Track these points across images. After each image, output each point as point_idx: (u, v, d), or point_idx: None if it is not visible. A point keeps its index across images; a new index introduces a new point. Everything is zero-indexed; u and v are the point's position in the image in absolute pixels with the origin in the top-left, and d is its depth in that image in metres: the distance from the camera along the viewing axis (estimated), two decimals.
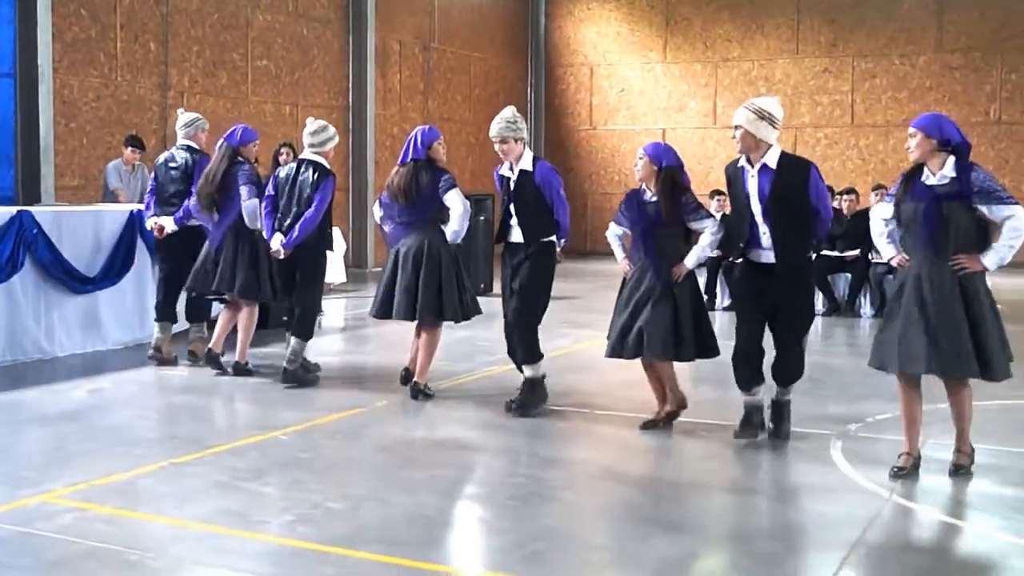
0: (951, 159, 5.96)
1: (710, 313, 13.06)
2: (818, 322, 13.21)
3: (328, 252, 8.92)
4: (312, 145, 8.68)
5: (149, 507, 5.56)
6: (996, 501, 5.87)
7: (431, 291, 8.04)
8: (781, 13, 21.71)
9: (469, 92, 21.88)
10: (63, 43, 13.43)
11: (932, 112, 6.41)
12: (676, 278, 6.96)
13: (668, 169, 7.01)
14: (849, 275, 13.65)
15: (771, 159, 6.60)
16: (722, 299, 14.06)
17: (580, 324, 11.99)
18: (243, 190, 8.91)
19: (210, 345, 9.23)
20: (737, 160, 6.79)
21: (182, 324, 10.46)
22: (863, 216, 14.02)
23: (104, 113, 14.07)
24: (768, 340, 6.84)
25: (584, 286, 15.99)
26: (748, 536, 5.23)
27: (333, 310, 13.75)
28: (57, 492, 5.70)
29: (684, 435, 7.13)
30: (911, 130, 6.09)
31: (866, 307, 13.56)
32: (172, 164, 9.66)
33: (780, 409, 6.98)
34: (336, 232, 15.67)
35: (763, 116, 6.56)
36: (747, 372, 6.84)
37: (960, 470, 6.12)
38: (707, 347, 7.13)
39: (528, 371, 7.70)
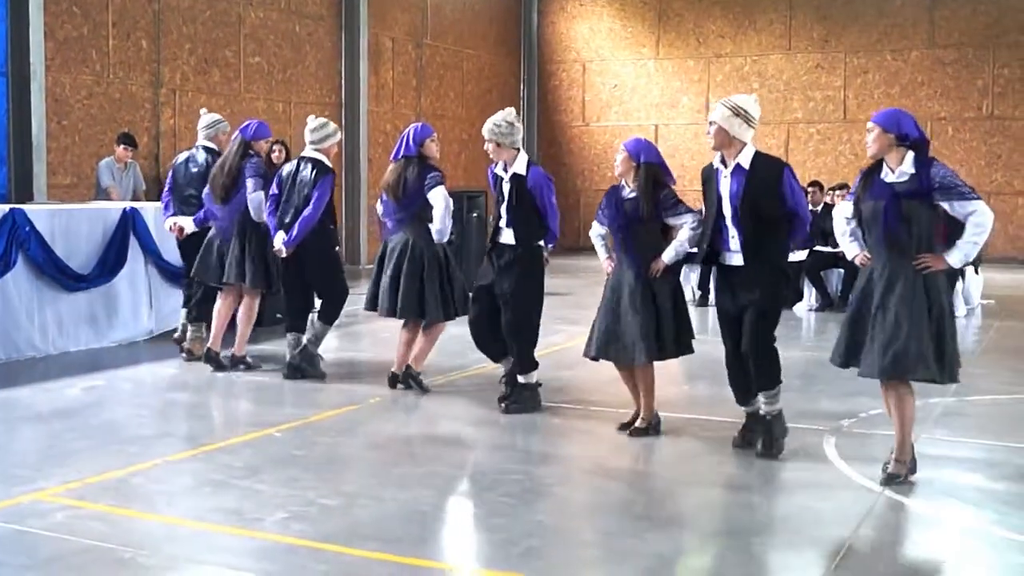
0: (910, 155, 5.80)
1: (703, 309, 13.05)
2: (811, 317, 13.25)
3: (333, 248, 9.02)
4: (312, 142, 8.71)
5: (143, 505, 5.56)
6: (989, 496, 5.88)
7: (412, 290, 8.07)
8: (773, 9, 21.72)
9: (462, 88, 21.87)
10: (55, 41, 13.40)
11: (892, 107, 6.25)
12: (654, 273, 6.83)
13: (647, 165, 6.88)
14: (842, 271, 13.66)
15: (744, 159, 6.43)
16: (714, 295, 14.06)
17: (573, 320, 12.00)
18: (249, 182, 8.95)
19: (208, 344, 9.25)
20: (712, 162, 6.66)
21: (168, 324, 10.49)
22: None
23: (96, 111, 14.05)
24: None
25: (577, 282, 16.00)
26: (741, 532, 5.23)
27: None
28: (51, 490, 5.69)
29: (677, 432, 7.14)
30: (869, 124, 5.92)
31: None
32: (192, 164, 9.74)
33: (768, 426, 6.54)
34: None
35: (738, 113, 6.42)
36: (740, 388, 6.67)
37: (894, 479, 5.88)
38: (685, 344, 7.00)
39: (521, 379, 7.71)
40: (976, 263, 13.70)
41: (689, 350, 7.04)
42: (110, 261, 10.27)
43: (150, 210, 10.91)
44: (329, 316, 8.80)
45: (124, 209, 10.55)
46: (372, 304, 8.33)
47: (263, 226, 8.89)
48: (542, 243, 7.72)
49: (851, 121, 20.98)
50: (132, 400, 8.15)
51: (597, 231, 7.25)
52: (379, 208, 8.54)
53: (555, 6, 23.75)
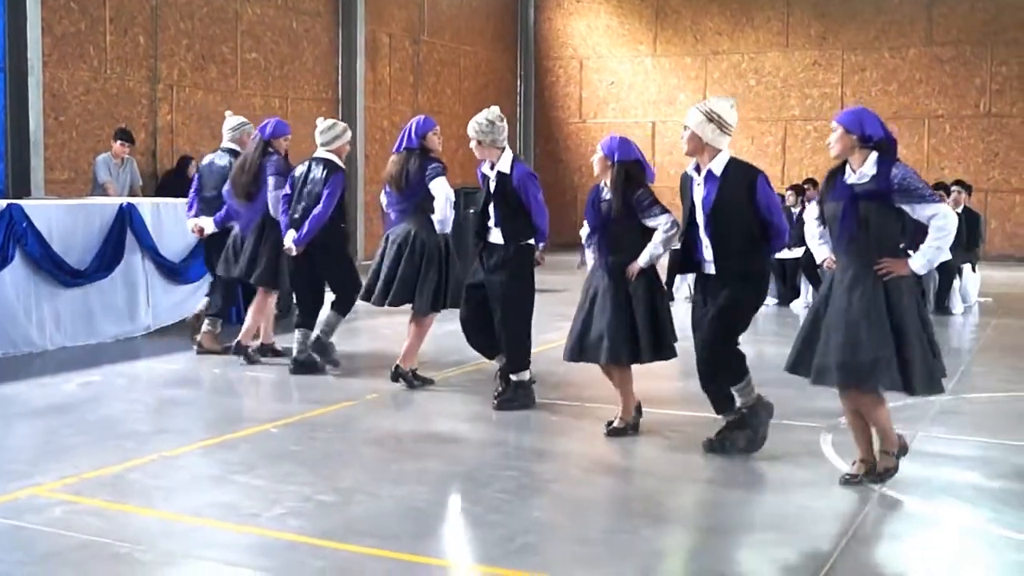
0: (873, 156, 5.60)
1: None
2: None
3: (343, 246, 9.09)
4: (323, 144, 8.80)
5: (139, 500, 5.55)
6: (986, 494, 5.89)
7: (408, 280, 8.12)
8: (771, 6, 21.73)
9: (459, 85, 21.86)
10: (53, 37, 13.39)
11: (856, 106, 6.03)
12: (629, 277, 6.72)
13: (620, 163, 6.75)
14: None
15: (717, 166, 6.24)
16: None
17: (568, 317, 11.91)
18: (270, 180, 9.11)
19: (239, 338, 9.42)
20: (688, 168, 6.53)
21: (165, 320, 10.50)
22: None
23: (93, 106, 14.04)
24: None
25: (572, 279, 15.94)
26: (738, 529, 5.24)
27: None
28: (47, 485, 5.69)
29: (673, 429, 7.14)
30: (832, 124, 5.74)
31: None
32: (215, 166, 9.88)
33: (742, 421, 6.45)
34: None
35: (712, 119, 6.23)
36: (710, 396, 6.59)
37: (889, 474, 5.77)
38: (665, 347, 6.81)
39: (514, 377, 7.71)
40: (973, 261, 13.72)
41: (671, 354, 6.85)
42: (107, 257, 10.26)
43: (147, 206, 10.91)
44: (343, 307, 8.88)
45: (121, 205, 10.55)
46: (367, 294, 8.36)
47: (279, 224, 9.03)
48: (532, 242, 7.70)
49: None
50: (129, 395, 8.15)
51: (584, 231, 7.19)
52: (383, 200, 8.58)
53: (552, 2, 23.75)
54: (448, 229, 8.17)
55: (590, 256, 7.05)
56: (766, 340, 11.75)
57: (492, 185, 7.65)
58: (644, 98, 22.82)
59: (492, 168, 7.67)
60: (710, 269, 6.32)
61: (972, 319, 12.92)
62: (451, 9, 21.59)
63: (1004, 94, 20.24)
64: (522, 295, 7.66)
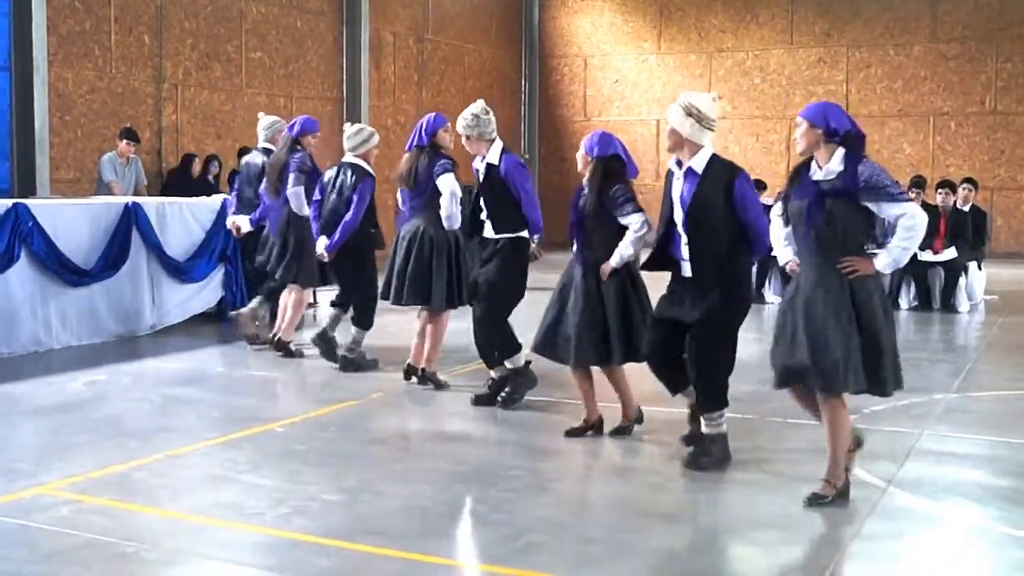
0: (840, 151, 5.36)
1: None
2: None
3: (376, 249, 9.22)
4: (351, 149, 8.91)
5: (145, 499, 5.56)
6: (992, 492, 5.88)
7: (420, 278, 8.13)
8: (775, 3, 21.69)
9: (463, 83, 21.85)
10: (58, 36, 13.39)
11: (822, 100, 5.76)
12: (602, 276, 6.62)
13: (599, 159, 6.61)
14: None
15: (698, 163, 6.04)
16: None
17: None
18: (290, 177, 9.29)
19: (279, 335, 9.59)
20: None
21: (170, 319, 10.49)
22: None
23: (99, 106, 14.04)
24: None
25: None
26: (744, 528, 5.23)
27: (327, 302, 13.71)
28: (53, 484, 5.70)
29: (679, 427, 7.13)
30: (797, 119, 5.50)
31: None
32: (251, 165, 10.19)
33: (706, 446, 6.19)
34: None
35: (691, 114, 6.01)
36: (666, 380, 6.41)
37: (818, 501, 5.43)
38: (635, 350, 6.62)
39: (508, 363, 7.69)
40: (979, 259, 13.70)
41: (640, 357, 6.59)
42: (112, 256, 10.27)
43: (152, 205, 10.92)
44: (363, 322, 9.05)
45: (126, 204, 10.55)
46: (384, 292, 8.43)
47: (304, 222, 9.18)
48: (525, 235, 7.66)
49: (853, 116, 20.88)
50: (134, 394, 8.15)
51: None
52: (399, 197, 8.64)
53: (556, 0, 23.73)
54: (456, 225, 8.17)
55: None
56: (770, 339, 11.73)
57: (481, 178, 7.68)
58: (648, 96, 22.80)
59: (483, 161, 7.69)
60: (687, 270, 6.12)
61: (978, 317, 12.89)
62: (455, 7, 21.59)
63: (1010, 91, 20.19)
64: (507, 287, 7.57)
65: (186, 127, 15.33)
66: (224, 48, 16.06)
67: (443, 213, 8.11)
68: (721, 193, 5.99)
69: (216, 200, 11.64)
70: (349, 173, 8.80)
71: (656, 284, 6.45)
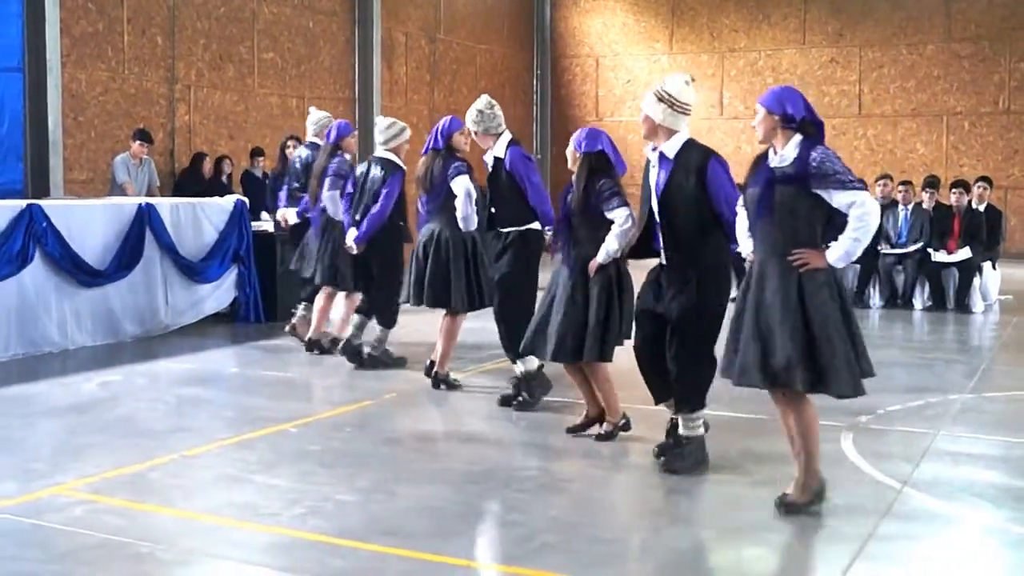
0: (796, 138, 5.16)
1: None
2: None
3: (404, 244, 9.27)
4: (382, 143, 8.97)
5: (159, 499, 5.57)
6: (1007, 493, 5.85)
7: (438, 280, 8.13)
8: (788, 3, 21.64)
9: (475, 84, 21.83)
10: (71, 37, 13.42)
11: (781, 86, 5.51)
12: (589, 272, 6.55)
13: (585, 155, 6.56)
14: (858, 266, 13.61)
15: (671, 148, 5.87)
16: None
17: None
18: (326, 182, 9.40)
19: (309, 333, 9.70)
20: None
21: (184, 319, 10.50)
22: None
23: (112, 107, 14.07)
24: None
25: None
26: (759, 528, 5.21)
27: (340, 303, 13.71)
28: (68, 484, 5.71)
29: None
30: (757, 106, 5.32)
31: (875, 298, 13.53)
32: (298, 160, 10.39)
33: (681, 448, 6.08)
34: None
35: (662, 99, 5.86)
36: (649, 383, 6.26)
37: (793, 509, 5.28)
38: (609, 350, 6.57)
39: (520, 366, 7.66)
40: (993, 259, 13.65)
41: (608, 358, 6.58)
42: (126, 256, 10.29)
43: (166, 205, 10.94)
44: (386, 320, 9.09)
45: (140, 205, 10.58)
46: (406, 296, 8.49)
47: (340, 225, 9.27)
48: (536, 227, 7.63)
49: (866, 116, 20.90)
50: (148, 395, 8.17)
51: None
52: (419, 200, 8.68)
53: (568, 0, 23.71)
54: (472, 227, 8.16)
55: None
56: None
57: (489, 171, 7.69)
58: None
59: (491, 155, 7.71)
60: (664, 259, 5.99)
61: (992, 317, 12.85)
62: (467, 8, 21.58)
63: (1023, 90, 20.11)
64: (520, 281, 7.57)
65: (199, 128, 15.35)
66: (236, 49, 16.08)
67: (458, 215, 8.10)
68: (693, 178, 5.81)
69: (229, 201, 11.65)
70: (379, 167, 8.88)
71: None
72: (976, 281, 13.15)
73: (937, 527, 5.39)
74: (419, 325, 10.00)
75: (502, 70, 22.73)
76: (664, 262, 5.99)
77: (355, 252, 8.89)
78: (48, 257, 9.56)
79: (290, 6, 17.07)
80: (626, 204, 6.53)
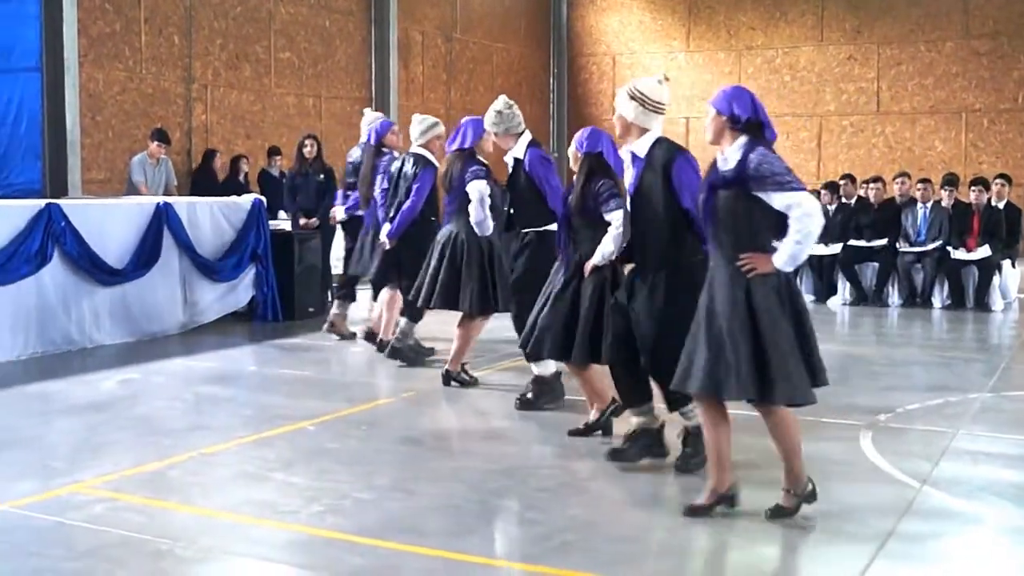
0: (742, 139, 5.05)
1: None
2: (845, 312, 13.16)
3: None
4: (416, 138, 9.08)
5: (179, 497, 5.58)
6: None
7: (450, 282, 8.14)
8: (805, 0, 21.58)
9: (492, 83, 21.83)
10: (88, 37, 13.47)
11: (733, 86, 5.36)
12: (585, 274, 6.48)
13: (586, 155, 6.48)
14: (876, 265, 13.57)
15: (641, 147, 5.81)
16: None
17: None
18: (377, 179, 9.50)
19: (381, 336, 9.63)
20: None
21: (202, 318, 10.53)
22: (889, 205, 13.95)
23: (129, 106, 14.11)
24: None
25: None
26: (778, 527, 5.18)
27: (357, 301, 13.74)
28: (87, 482, 5.73)
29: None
30: (707, 107, 5.21)
31: (894, 297, 13.48)
32: (352, 157, 10.55)
33: (691, 439, 6.07)
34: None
35: (633, 97, 5.80)
36: (621, 386, 6.16)
37: (781, 514, 5.17)
38: (597, 352, 6.44)
39: (536, 368, 7.63)
40: (1013, 256, 13.58)
41: (599, 360, 6.45)
42: (144, 255, 10.33)
43: (183, 204, 10.97)
44: (413, 314, 9.08)
45: (158, 204, 10.61)
46: (416, 296, 8.49)
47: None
48: (554, 228, 7.48)
49: (884, 113, 20.82)
50: (167, 393, 8.19)
51: None
52: (444, 199, 8.72)
53: None
54: (486, 231, 8.13)
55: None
56: None
57: (509, 171, 7.69)
58: (677, 94, 22.69)
59: (511, 156, 7.72)
60: (636, 258, 5.91)
61: (1012, 316, 12.78)
62: (483, 6, 21.58)
63: None
64: (536, 282, 7.48)
65: (215, 127, 15.39)
66: (253, 48, 16.11)
67: (472, 219, 8.09)
68: (661, 176, 5.72)
69: (247, 200, 11.68)
70: (411, 162, 8.98)
71: None
72: (995, 279, 13.09)
73: (957, 526, 5.36)
74: (427, 326, 10.00)
75: (519, 69, 22.73)
76: (636, 261, 5.92)
77: (388, 247, 9.01)
78: (66, 256, 9.59)
79: (307, 5, 17.10)
80: (623, 206, 6.40)
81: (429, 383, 8.37)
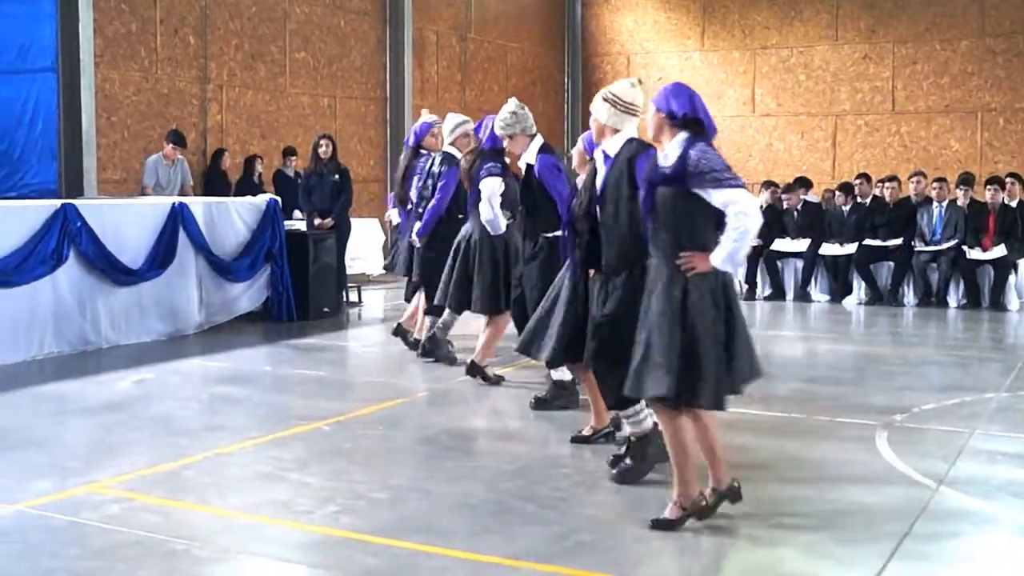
0: (681, 136, 5.00)
1: (751, 303, 12.91)
2: (860, 311, 13.12)
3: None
4: (447, 136, 9.14)
5: (194, 497, 5.59)
6: None
7: (462, 282, 8.19)
8: None
9: (506, 82, 21.83)
10: (104, 38, 13.51)
11: (674, 83, 5.26)
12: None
13: (593, 158, 6.38)
14: (891, 264, 13.52)
15: (612, 146, 5.73)
16: (763, 288, 13.98)
17: None
18: (414, 179, 9.52)
19: (400, 322, 9.80)
20: None
21: (217, 318, 10.52)
22: (904, 204, 13.91)
23: (145, 107, 14.15)
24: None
25: None
26: (796, 527, 5.18)
27: (372, 301, 13.78)
28: (103, 482, 5.74)
29: (726, 426, 7.08)
30: (649, 103, 5.18)
31: (909, 296, 13.44)
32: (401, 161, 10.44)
33: (631, 449, 5.98)
34: (375, 223, 15.76)
35: (607, 99, 5.74)
36: (604, 388, 5.96)
37: (666, 526, 5.05)
38: None
39: (554, 374, 7.63)
40: None
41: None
42: (160, 255, 10.35)
43: (199, 205, 11.00)
44: (436, 313, 9.09)
45: (173, 204, 10.64)
46: (434, 294, 8.58)
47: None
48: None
49: (900, 112, 20.75)
50: (182, 393, 8.21)
51: None
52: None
53: None
54: (498, 230, 8.13)
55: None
56: (818, 337, 11.67)
57: (522, 178, 7.69)
58: None
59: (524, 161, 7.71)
60: (604, 259, 5.78)
61: None
62: (498, 6, 21.58)
63: None
64: (543, 287, 7.49)
65: (231, 127, 15.42)
66: (268, 48, 16.14)
67: (482, 218, 8.08)
68: (625, 174, 5.64)
69: (262, 200, 11.71)
70: (439, 161, 9.06)
71: None
72: (1011, 279, 13.04)
73: (973, 526, 5.34)
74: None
75: (533, 69, 22.72)
76: (604, 262, 5.82)
77: (418, 245, 9.08)
78: (82, 256, 9.62)
79: (321, 6, 17.12)
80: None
81: (444, 383, 8.37)
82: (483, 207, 8.05)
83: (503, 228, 8.13)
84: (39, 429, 7.01)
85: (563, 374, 7.56)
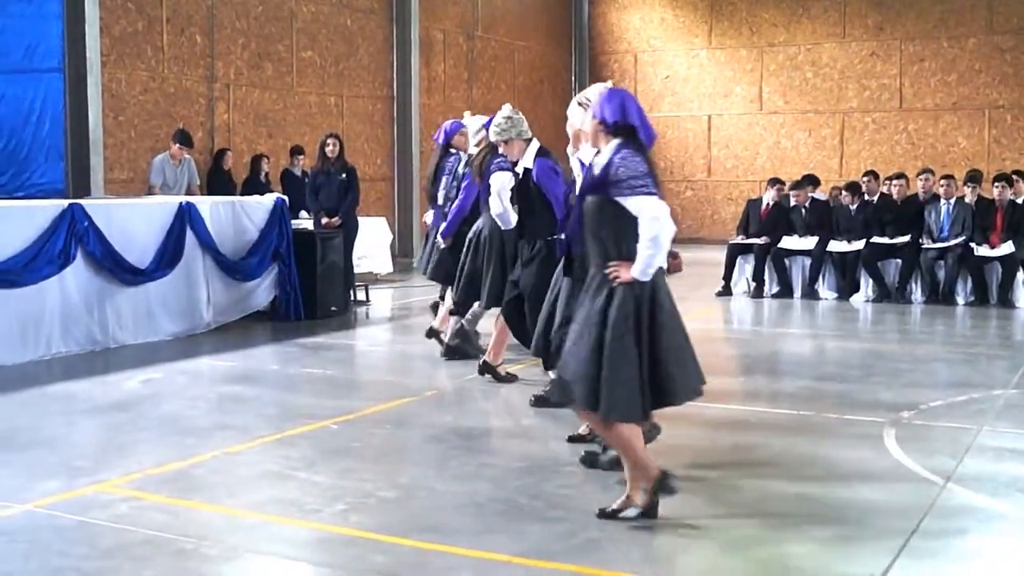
0: (612, 143, 5.00)
1: (758, 301, 12.90)
2: (867, 308, 13.10)
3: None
4: (472, 138, 9.10)
5: (203, 496, 5.60)
6: None
7: (472, 277, 8.20)
8: None
9: (513, 80, 21.85)
10: (111, 37, 13.54)
11: (613, 89, 5.26)
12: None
13: None
14: (899, 261, 13.50)
15: (588, 153, 5.67)
16: (770, 286, 13.97)
17: None
18: (443, 179, 9.57)
19: (433, 324, 9.78)
20: None
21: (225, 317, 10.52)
22: (912, 202, 13.89)
23: (152, 106, 14.18)
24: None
25: None
26: (803, 524, 5.18)
27: (380, 300, 13.79)
28: (112, 481, 5.75)
29: (735, 424, 7.09)
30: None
31: (917, 293, 13.42)
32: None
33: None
34: (382, 222, 15.77)
35: (581, 104, 5.84)
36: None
37: (603, 514, 5.10)
38: None
39: (552, 373, 7.60)
40: None
41: None
42: (167, 255, 10.37)
43: (206, 204, 11.01)
44: (460, 311, 9.10)
45: (180, 203, 10.65)
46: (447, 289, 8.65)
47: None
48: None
49: (907, 110, 20.73)
50: (190, 392, 8.22)
51: None
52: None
53: None
54: (507, 224, 8.13)
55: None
56: (826, 335, 11.65)
57: (518, 182, 7.68)
58: (699, 91, 22.68)
59: (521, 165, 7.70)
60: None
61: None
62: (505, 4, 21.58)
63: None
64: (541, 290, 7.51)
65: (238, 127, 15.45)
66: (275, 47, 16.16)
67: (492, 212, 8.10)
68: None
69: (269, 199, 11.72)
70: (464, 162, 9.14)
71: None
72: (1019, 276, 13.01)
73: (981, 523, 5.33)
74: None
75: (540, 67, 22.72)
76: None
77: (443, 245, 9.14)
78: (90, 256, 9.64)
79: (328, 4, 17.14)
80: None
81: (452, 381, 8.38)
82: (493, 201, 8.06)
83: (514, 222, 8.13)
84: (47, 429, 7.02)
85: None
